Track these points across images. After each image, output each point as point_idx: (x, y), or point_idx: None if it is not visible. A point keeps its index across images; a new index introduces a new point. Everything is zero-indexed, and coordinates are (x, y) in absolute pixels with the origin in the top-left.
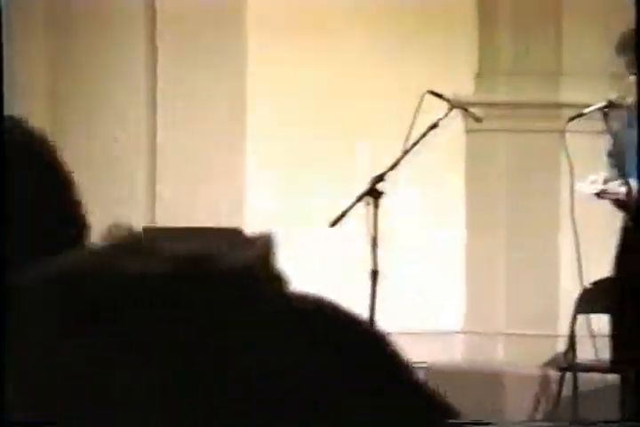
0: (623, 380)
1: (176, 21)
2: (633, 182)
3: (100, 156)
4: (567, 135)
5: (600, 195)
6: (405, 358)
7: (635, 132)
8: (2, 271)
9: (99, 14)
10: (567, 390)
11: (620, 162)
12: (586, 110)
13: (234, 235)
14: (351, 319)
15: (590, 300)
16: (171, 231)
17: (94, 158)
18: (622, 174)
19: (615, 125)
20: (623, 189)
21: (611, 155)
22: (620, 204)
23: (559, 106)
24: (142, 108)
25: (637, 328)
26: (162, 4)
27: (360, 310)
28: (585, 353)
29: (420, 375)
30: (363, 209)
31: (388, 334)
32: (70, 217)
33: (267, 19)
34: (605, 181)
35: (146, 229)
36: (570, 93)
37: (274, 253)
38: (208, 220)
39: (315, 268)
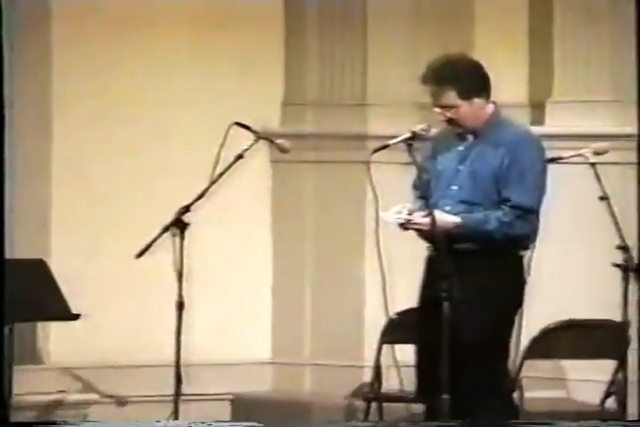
0: (427, 410)
1: None
2: (437, 213)
3: None
4: (373, 166)
5: (404, 225)
6: None
7: (437, 165)
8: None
9: None
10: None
11: (424, 193)
12: (390, 142)
13: (38, 266)
14: None
15: (395, 330)
16: None
17: None
18: (427, 205)
19: (420, 157)
20: (427, 220)
21: (415, 186)
22: (424, 234)
23: (365, 137)
24: None
25: (441, 358)
26: None
27: (168, 341)
28: (390, 383)
29: (227, 406)
30: (169, 240)
31: None
32: None
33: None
34: (410, 212)
35: None
36: (376, 124)
37: None
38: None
39: (121, 299)
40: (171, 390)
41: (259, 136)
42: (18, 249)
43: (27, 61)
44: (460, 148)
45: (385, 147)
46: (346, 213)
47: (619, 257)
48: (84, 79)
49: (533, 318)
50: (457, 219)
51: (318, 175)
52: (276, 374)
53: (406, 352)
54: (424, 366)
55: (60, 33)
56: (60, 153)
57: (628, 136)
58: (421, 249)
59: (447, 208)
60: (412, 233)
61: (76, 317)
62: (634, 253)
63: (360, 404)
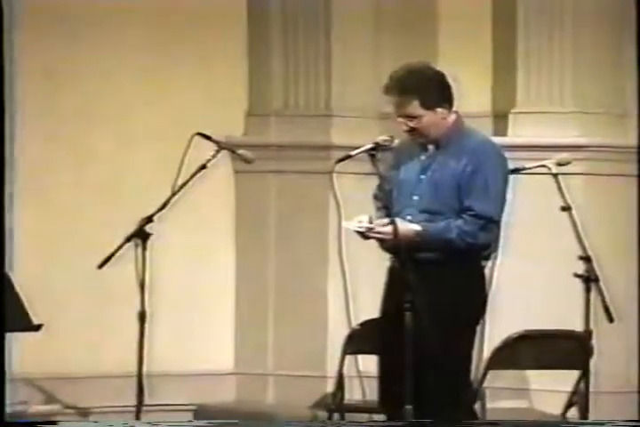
0: (390, 420)
1: None
2: (399, 222)
3: None
4: (337, 177)
5: (366, 234)
6: None
7: (399, 175)
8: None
9: None
10: None
11: (386, 203)
12: (353, 152)
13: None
14: None
15: (358, 340)
16: None
17: None
18: (389, 215)
19: (382, 167)
20: (389, 229)
21: (377, 197)
22: (386, 244)
23: (328, 148)
24: None
25: (403, 369)
26: None
27: (129, 351)
28: (353, 394)
29: (190, 417)
30: (131, 250)
31: None
32: None
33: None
34: (371, 222)
35: None
36: (339, 135)
37: None
38: None
39: (83, 310)
40: (133, 401)
41: (221, 146)
42: None
43: None
44: (422, 157)
45: (348, 157)
46: (309, 224)
47: (580, 267)
48: (45, 87)
49: (496, 328)
50: (418, 227)
51: (281, 185)
52: (239, 385)
53: (369, 363)
54: (386, 376)
55: (21, 40)
56: (23, 163)
57: (590, 147)
58: (384, 259)
59: (409, 218)
60: (374, 243)
61: (37, 328)
62: (595, 264)
63: (323, 414)
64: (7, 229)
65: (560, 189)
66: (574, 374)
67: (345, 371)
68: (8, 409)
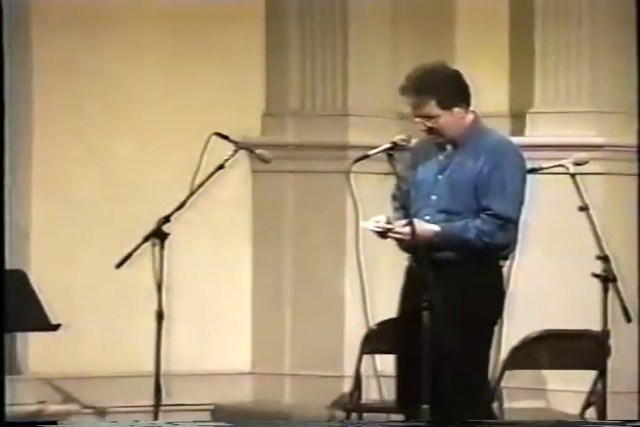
0: (407, 420)
1: None
2: (417, 222)
3: None
4: (354, 176)
5: (384, 234)
6: None
7: (417, 175)
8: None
9: None
10: None
11: (404, 203)
12: (370, 152)
13: (17, 276)
14: None
15: (376, 340)
16: None
17: None
18: (407, 215)
19: (400, 167)
20: (407, 229)
21: (395, 197)
22: (404, 244)
23: (345, 147)
24: None
25: (420, 368)
26: None
27: (147, 351)
28: (371, 393)
29: (208, 417)
30: (149, 250)
31: None
32: None
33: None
34: (389, 222)
35: None
36: (356, 135)
37: None
38: None
39: (101, 309)
40: (150, 401)
41: (239, 146)
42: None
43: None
44: (440, 157)
45: (365, 157)
46: (326, 223)
47: (598, 267)
48: (63, 86)
49: (513, 328)
50: (436, 227)
51: (299, 185)
52: (257, 385)
53: (386, 362)
54: (404, 375)
55: (39, 40)
56: (40, 163)
57: (608, 146)
58: (401, 259)
59: (427, 218)
60: (391, 243)
61: (55, 327)
62: (613, 264)
63: (340, 414)
64: (23, 228)
65: (578, 188)
66: (592, 375)
67: (362, 371)
68: (23, 409)
